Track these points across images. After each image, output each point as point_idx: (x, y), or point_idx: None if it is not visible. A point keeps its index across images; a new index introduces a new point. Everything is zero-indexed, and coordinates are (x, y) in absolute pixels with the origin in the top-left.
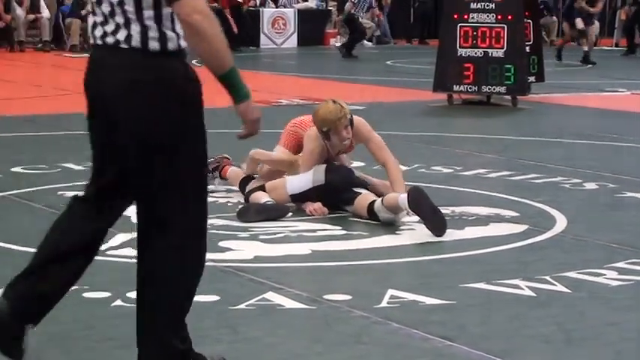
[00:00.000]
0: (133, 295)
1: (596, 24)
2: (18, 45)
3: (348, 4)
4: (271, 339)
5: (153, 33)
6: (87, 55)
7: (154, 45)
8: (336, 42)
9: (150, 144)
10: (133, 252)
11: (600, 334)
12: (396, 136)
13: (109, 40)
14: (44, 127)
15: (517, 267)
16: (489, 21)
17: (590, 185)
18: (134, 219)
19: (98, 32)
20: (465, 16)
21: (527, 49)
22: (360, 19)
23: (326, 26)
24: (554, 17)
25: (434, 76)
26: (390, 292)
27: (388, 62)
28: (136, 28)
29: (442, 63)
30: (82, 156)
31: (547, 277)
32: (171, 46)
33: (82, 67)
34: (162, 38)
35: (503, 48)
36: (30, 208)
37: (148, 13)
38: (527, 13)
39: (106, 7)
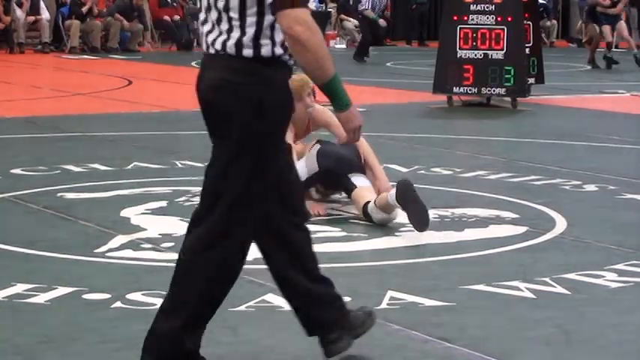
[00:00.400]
0: (132, 296)
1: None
2: (18, 47)
3: (366, 11)
4: (271, 341)
5: (248, 40)
6: (86, 56)
7: (247, 52)
8: (336, 43)
9: (216, 139)
10: (133, 254)
11: (600, 336)
12: (396, 137)
13: (211, 50)
14: (44, 128)
15: (517, 269)
16: (489, 22)
17: (590, 187)
18: (134, 221)
19: (204, 42)
20: (465, 18)
21: (527, 50)
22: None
23: (326, 28)
24: (554, 21)
25: (434, 77)
26: (390, 293)
27: (388, 64)
28: (235, 35)
29: (442, 65)
30: (81, 157)
31: (547, 279)
32: (264, 52)
33: (82, 68)
34: (256, 45)
35: (502, 50)
36: (29, 210)
37: (251, 20)
38: (526, 15)
39: (214, 14)
